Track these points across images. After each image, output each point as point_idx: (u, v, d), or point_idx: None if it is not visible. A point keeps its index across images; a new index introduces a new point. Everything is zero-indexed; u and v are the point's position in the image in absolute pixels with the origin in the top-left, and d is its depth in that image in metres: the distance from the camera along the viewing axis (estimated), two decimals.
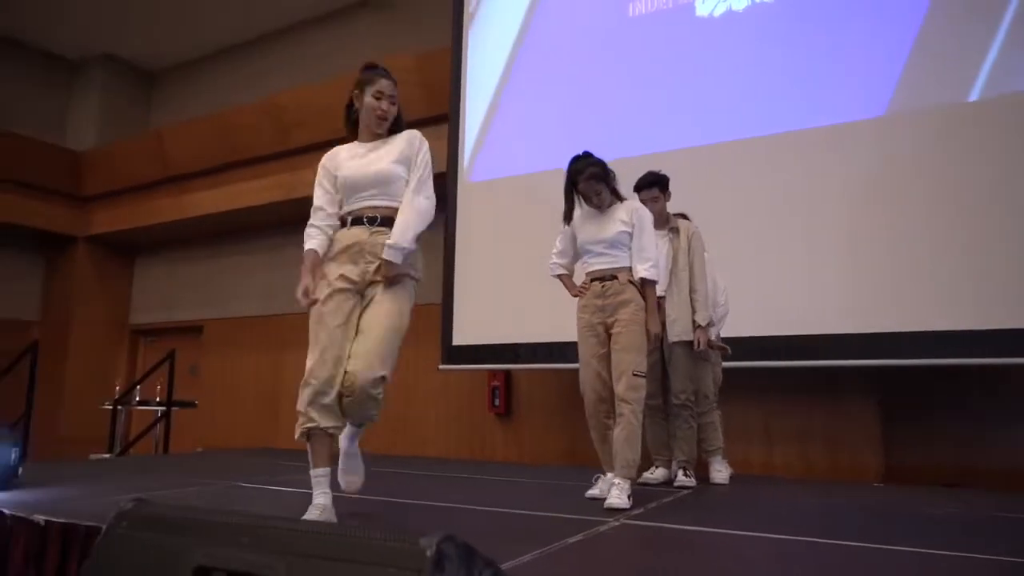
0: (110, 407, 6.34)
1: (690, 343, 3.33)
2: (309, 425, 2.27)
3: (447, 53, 6.25)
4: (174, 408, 6.63)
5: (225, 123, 7.75)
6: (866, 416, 4.59)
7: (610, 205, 2.96)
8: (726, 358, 3.49)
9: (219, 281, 8.58)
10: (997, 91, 4.03)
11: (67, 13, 8.48)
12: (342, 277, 2.36)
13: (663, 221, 3.32)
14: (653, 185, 3.30)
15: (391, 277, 2.32)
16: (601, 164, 2.92)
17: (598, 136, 5.05)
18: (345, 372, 2.27)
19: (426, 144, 2.47)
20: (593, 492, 2.85)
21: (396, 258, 2.29)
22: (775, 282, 4.41)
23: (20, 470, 2.99)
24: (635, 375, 2.76)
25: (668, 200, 3.43)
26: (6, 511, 2.39)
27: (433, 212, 2.42)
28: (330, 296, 2.35)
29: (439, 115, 6.28)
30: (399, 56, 6.73)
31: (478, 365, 5.70)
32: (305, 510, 2.16)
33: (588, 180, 2.89)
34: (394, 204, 2.37)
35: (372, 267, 2.34)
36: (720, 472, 3.51)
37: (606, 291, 2.87)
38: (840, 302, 4.21)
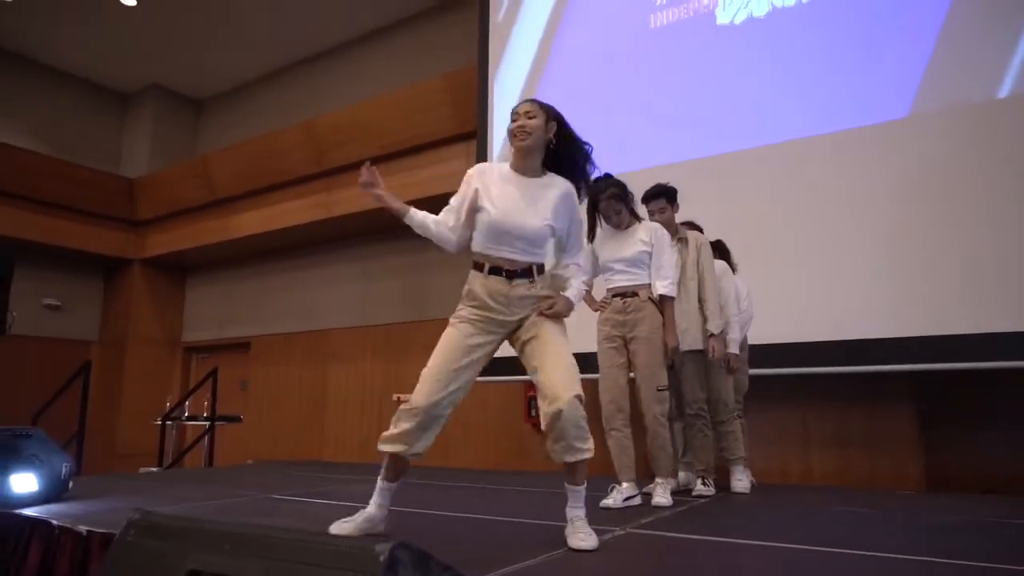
0: (159, 423, 6.64)
1: (700, 352, 3.36)
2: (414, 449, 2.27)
3: (475, 71, 6.40)
4: (222, 422, 6.88)
5: (266, 147, 8.06)
6: (906, 422, 4.50)
7: (628, 225, 3.17)
8: (733, 368, 3.51)
9: (264, 298, 8.91)
10: None
11: (119, 48, 8.97)
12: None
13: (672, 232, 3.37)
14: (660, 196, 3.36)
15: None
16: (621, 185, 3.14)
17: (624, 148, 5.13)
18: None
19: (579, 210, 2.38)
20: (607, 502, 2.92)
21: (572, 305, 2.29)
22: (810, 287, 4.38)
23: (71, 484, 3.20)
24: (659, 390, 3.03)
25: (676, 211, 3.48)
26: (54, 522, 2.58)
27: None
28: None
29: (468, 132, 6.45)
30: (426, 81, 6.94)
31: (511, 377, 5.79)
32: (329, 520, 2.27)
33: (608, 200, 3.09)
34: (537, 260, 2.29)
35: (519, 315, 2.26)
36: (740, 481, 3.51)
37: (627, 307, 3.08)
38: (877, 306, 4.16)
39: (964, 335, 3.92)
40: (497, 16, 6.23)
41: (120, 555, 1.31)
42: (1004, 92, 4.02)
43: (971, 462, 4.36)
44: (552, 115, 2.31)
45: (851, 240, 4.32)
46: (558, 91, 5.68)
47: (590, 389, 2.51)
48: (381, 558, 1.02)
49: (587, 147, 2.40)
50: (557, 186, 2.31)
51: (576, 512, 2.14)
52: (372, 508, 2.27)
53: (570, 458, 2.09)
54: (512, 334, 2.28)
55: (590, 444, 2.12)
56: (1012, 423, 4.29)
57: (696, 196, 4.40)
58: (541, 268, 2.30)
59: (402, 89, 7.15)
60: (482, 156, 6.10)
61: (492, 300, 2.23)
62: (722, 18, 5.05)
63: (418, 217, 2.40)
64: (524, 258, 2.25)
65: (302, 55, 9.20)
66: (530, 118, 2.26)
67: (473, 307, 2.27)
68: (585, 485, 2.16)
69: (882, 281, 4.19)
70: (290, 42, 8.89)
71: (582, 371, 2.23)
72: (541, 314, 2.24)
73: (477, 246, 2.30)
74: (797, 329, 4.34)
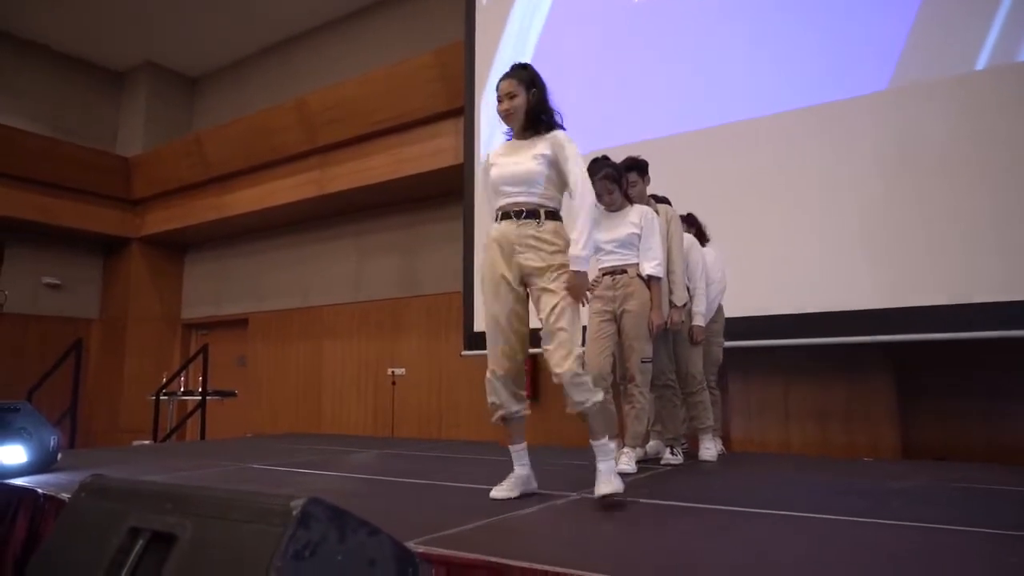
0: (153, 398, 6.80)
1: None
2: (501, 412, 2.48)
3: (462, 47, 6.41)
4: (216, 397, 7.03)
5: (259, 124, 8.10)
6: (884, 392, 4.56)
7: (621, 207, 3.29)
8: (698, 341, 3.58)
9: (261, 276, 9.01)
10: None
11: (113, 26, 8.99)
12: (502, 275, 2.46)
13: (643, 204, 3.42)
14: (631, 169, 3.41)
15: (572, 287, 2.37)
16: (615, 167, 3.29)
17: (613, 123, 5.17)
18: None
19: (572, 145, 2.47)
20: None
21: (582, 266, 2.37)
22: (790, 259, 4.44)
23: (59, 455, 3.32)
24: (643, 361, 3.20)
25: (647, 184, 3.53)
26: (40, 490, 2.70)
27: (593, 203, 2.47)
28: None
29: (458, 108, 6.47)
30: (418, 57, 6.94)
31: None
32: (300, 487, 2.38)
33: (602, 180, 3.20)
34: (535, 200, 2.43)
35: (523, 257, 2.41)
36: (708, 450, 3.60)
37: (616, 284, 3.22)
38: (856, 278, 4.22)
39: (942, 306, 3.98)
40: None
41: (71, 515, 1.41)
42: (980, 65, 4.03)
43: (948, 431, 4.43)
44: (531, 84, 2.51)
45: (830, 212, 4.37)
46: (543, 65, 5.69)
47: None
48: (294, 512, 1.11)
49: (556, 113, 2.57)
50: (544, 137, 2.49)
51: (599, 464, 2.35)
52: (517, 470, 2.49)
53: (571, 409, 2.34)
54: (529, 280, 2.44)
55: (588, 397, 2.31)
56: (990, 393, 4.35)
57: (675, 170, 4.46)
58: (551, 214, 2.44)
59: (392, 66, 7.17)
60: (470, 132, 6.13)
61: (498, 243, 2.44)
62: None
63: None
64: (525, 199, 2.43)
65: (295, 31, 9.20)
66: (512, 98, 2.49)
67: (485, 253, 2.51)
68: (605, 440, 2.37)
69: (861, 253, 4.24)
70: (283, 19, 8.89)
71: None
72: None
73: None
74: (777, 301, 4.40)
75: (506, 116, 2.52)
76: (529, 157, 2.45)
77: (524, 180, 2.43)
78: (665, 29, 5.14)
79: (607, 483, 2.29)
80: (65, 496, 2.58)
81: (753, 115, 4.73)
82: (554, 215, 2.46)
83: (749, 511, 2.19)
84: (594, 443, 2.37)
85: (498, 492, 2.43)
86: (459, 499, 2.55)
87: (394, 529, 1.29)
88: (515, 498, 2.40)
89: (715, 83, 4.87)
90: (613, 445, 2.44)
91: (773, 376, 4.91)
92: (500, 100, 2.52)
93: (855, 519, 2.05)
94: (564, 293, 2.34)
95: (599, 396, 2.35)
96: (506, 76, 2.53)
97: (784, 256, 4.47)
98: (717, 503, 2.34)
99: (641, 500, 2.40)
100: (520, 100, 2.48)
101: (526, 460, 2.51)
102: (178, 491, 1.32)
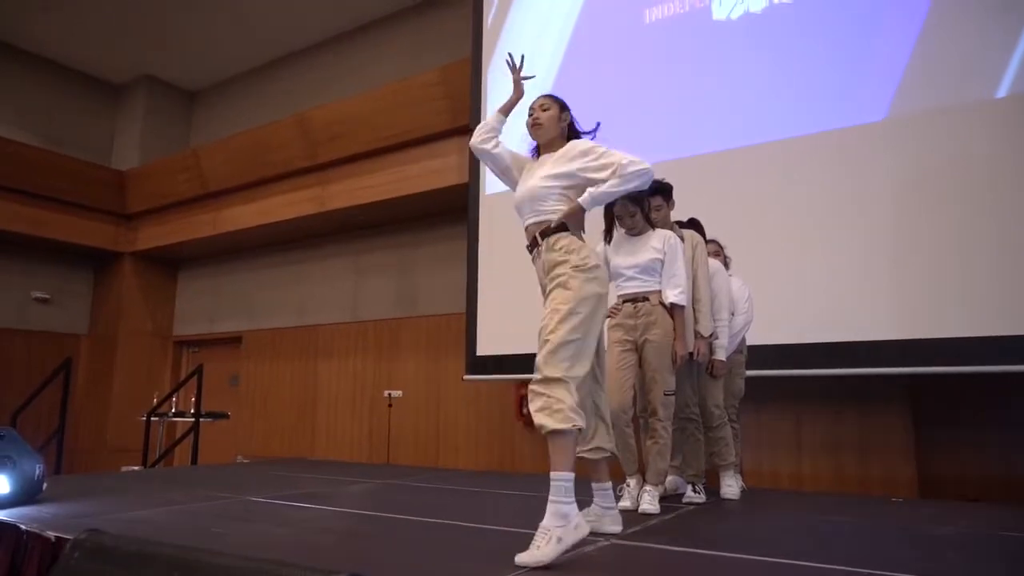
0: (144, 419, 6.56)
1: (692, 355, 3.28)
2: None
3: (469, 65, 6.31)
4: (210, 419, 6.81)
5: (258, 140, 7.96)
6: (899, 426, 4.45)
7: (642, 231, 3.15)
8: (718, 375, 3.43)
9: (256, 293, 8.83)
10: None
11: (111, 38, 8.85)
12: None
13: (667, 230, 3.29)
14: (656, 193, 3.27)
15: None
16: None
17: (618, 144, 5.03)
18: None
19: (596, 144, 2.41)
20: (625, 504, 2.93)
21: (587, 204, 2.31)
22: (804, 288, 4.32)
23: (44, 484, 3.12)
24: (666, 394, 3.05)
25: (672, 208, 3.40)
26: (22, 526, 2.50)
27: (641, 171, 2.30)
28: None
29: (462, 127, 6.35)
30: (423, 74, 6.85)
31: (501, 376, 5.73)
32: (304, 527, 2.20)
33: (623, 202, 3.03)
34: (545, 220, 2.34)
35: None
36: (731, 487, 3.45)
37: (638, 312, 3.07)
38: (871, 308, 4.11)
39: (958, 338, 3.87)
40: (491, 9, 6.14)
41: None
42: (1000, 92, 3.94)
43: (965, 467, 4.31)
44: (564, 107, 2.49)
45: (844, 241, 4.26)
46: (552, 86, 5.60)
47: None
48: None
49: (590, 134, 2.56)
50: (563, 149, 2.42)
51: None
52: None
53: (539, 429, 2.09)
54: None
55: (545, 420, 2.02)
56: (1008, 428, 4.23)
57: (685, 196, 4.34)
58: (558, 228, 2.30)
59: (396, 83, 7.06)
60: None
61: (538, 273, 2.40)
62: (718, 13, 4.97)
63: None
64: (534, 219, 2.36)
65: (296, 47, 9.09)
66: (544, 110, 2.45)
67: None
68: (563, 474, 2.01)
69: (875, 283, 4.14)
70: (284, 34, 8.78)
71: None
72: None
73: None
74: (790, 331, 4.28)
75: (534, 126, 2.46)
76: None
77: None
78: (675, 51, 5.05)
79: (536, 542, 1.95)
80: (51, 535, 2.38)
81: (763, 140, 4.62)
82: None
83: (798, 564, 2.02)
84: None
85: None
86: (476, 542, 2.37)
87: None
88: None
89: (730, 107, 4.76)
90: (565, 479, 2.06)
91: (785, 407, 4.78)
92: (531, 112, 2.48)
93: None
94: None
95: (556, 424, 2.02)
96: (544, 94, 2.52)
97: (795, 285, 4.34)
98: (760, 552, 2.18)
99: (675, 548, 2.23)
100: (553, 112, 2.45)
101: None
102: (191, 557, 1.15)
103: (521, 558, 1.92)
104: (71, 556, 1.25)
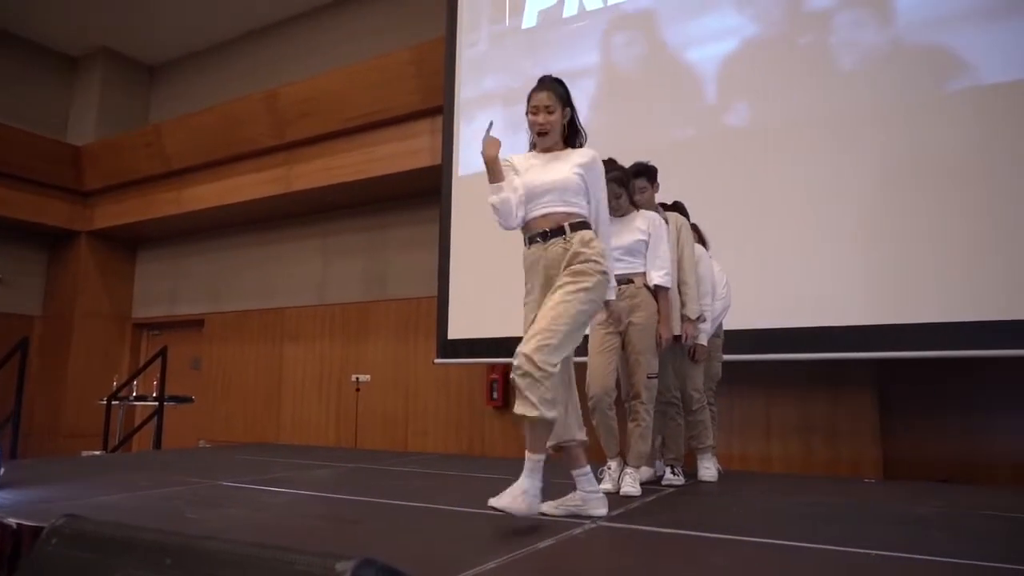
0: (104, 403, 6.36)
1: (676, 338, 3.27)
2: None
3: (443, 43, 6.18)
4: (174, 403, 6.63)
5: (223, 117, 7.73)
6: (866, 409, 4.55)
7: (627, 212, 3.12)
8: (699, 360, 3.43)
9: (219, 275, 8.61)
10: (1012, 76, 3.90)
11: (67, 8, 8.48)
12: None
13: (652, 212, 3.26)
14: (640, 175, 3.24)
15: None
16: (623, 170, 3.13)
17: (592, 125, 4.98)
18: None
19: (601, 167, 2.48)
20: (606, 486, 2.88)
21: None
22: (775, 273, 4.36)
23: (2, 470, 2.98)
24: (649, 377, 3.02)
25: (656, 191, 3.37)
26: None
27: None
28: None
29: (435, 107, 6.24)
30: (396, 52, 6.70)
31: (473, 359, 5.67)
32: (284, 511, 2.14)
33: (609, 183, 2.93)
34: (575, 211, 2.36)
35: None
36: (708, 470, 3.46)
37: (622, 294, 2.99)
38: (840, 294, 4.16)
39: (924, 324, 3.93)
40: None
41: (38, 567, 1.15)
42: (990, 79, 3.97)
43: (929, 449, 4.41)
44: (566, 101, 2.46)
45: (816, 228, 4.29)
46: (530, 65, 5.52)
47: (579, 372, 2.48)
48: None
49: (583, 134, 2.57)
50: (579, 152, 2.45)
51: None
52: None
53: (516, 411, 2.16)
54: None
55: (527, 409, 2.11)
56: (972, 411, 4.33)
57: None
58: (579, 225, 2.33)
59: (368, 61, 6.90)
60: (448, 133, 5.91)
61: (530, 270, 2.38)
62: None
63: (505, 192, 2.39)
64: (559, 208, 2.34)
65: (264, 22, 8.82)
66: (550, 113, 2.42)
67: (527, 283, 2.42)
68: (533, 455, 2.18)
69: (845, 269, 4.18)
70: (251, 7, 8.50)
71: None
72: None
73: (523, 221, 2.42)
74: (761, 316, 4.30)
75: (541, 131, 2.44)
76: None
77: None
78: (660, 31, 5.00)
79: (505, 494, 2.12)
80: (12, 521, 2.27)
81: (737, 125, 4.63)
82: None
83: (781, 544, 2.03)
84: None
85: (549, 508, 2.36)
86: (464, 525, 2.33)
87: (424, 567, 1.07)
88: (529, 527, 2.18)
89: (706, 93, 4.75)
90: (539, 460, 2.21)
91: (755, 390, 4.83)
92: (535, 112, 2.44)
93: (899, 555, 1.90)
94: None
95: (536, 412, 2.11)
96: (543, 88, 2.46)
97: (766, 270, 4.38)
98: (743, 533, 2.16)
99: (664, 530, 2.22)
100: (557, 116, 2.43)
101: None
102: (180, 542, 1.07)
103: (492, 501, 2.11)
104: (47, 542, 1.16)
